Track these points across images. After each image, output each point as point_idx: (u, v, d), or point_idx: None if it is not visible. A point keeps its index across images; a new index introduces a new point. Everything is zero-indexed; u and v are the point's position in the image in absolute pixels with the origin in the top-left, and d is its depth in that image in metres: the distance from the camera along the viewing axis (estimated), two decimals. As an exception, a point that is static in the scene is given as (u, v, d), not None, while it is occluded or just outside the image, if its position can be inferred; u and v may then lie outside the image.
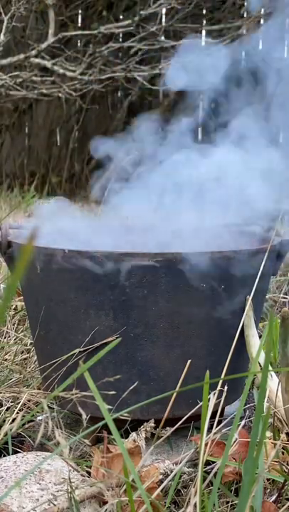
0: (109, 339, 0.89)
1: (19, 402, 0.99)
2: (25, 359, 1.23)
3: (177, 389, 0.86)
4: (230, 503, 0.79)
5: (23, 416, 0.97)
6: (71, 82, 4.20)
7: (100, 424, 0.66)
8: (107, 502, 0.71)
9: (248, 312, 0.92)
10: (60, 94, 4.23)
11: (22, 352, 1.27)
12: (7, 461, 0.83)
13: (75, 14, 4.99)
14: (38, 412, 1.02)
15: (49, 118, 5.26)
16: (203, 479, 0.74)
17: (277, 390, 0.87)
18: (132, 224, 1.14)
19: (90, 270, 0.88)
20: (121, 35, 4.69)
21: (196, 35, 4.47)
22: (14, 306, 1.51)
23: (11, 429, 0.84)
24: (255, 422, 0.54)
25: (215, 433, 0.79)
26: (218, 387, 0.79)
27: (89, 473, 0.85)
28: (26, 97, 4.45)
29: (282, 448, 0.85)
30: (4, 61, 4.06)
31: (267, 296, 1.68)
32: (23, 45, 4.72)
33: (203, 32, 4.75)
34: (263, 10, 4.36)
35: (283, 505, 0.76)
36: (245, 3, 4.53)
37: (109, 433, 0.81)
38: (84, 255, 0.88)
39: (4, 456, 0.92)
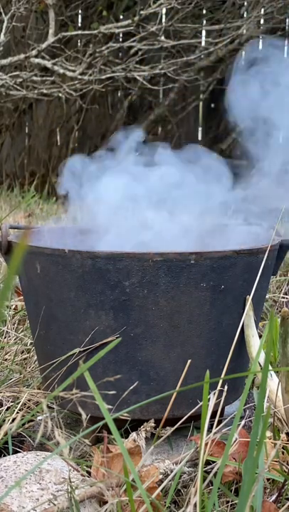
0: (109, 339, 0.89)
1: (19, 402, 0.99)
2: (25, 359, 1.23)
3: (177, 389, 0.86)
4: (230, 503, 0.79)
5: (23, 416, 0.97)
6: (71, 82, 4.19)
7: (100, 423, 0.66)
8: (107, 502, 0.71)
9: (248, 312, 0.92)
10: (60, 94, 4.22)
11: (22, 352, 1.27)
12: (7, 461, 0.83)
13: (75, 14, 4.99)
14: (38, 412, 1.02)
15: (49, 118, 5.26)
16: (203, 479, 0.74)
17: (277, 390, 0.87)
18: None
19: (90, 270, 0.88)
20: (121, 35, 4.69)
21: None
22: (14, 306, 1.51)
23: (10, 429, 0.84)
24: (255, 422, 0.54)
25: (215, 433, 0.79)
26: (218, 387, 0.79)
27: (89, 473, 0.85)
28: (26, 97, 4.45)
29: (282, 448, 0.85)
30: (4, 61, 4.06)
31: (267, 296, 1.68)
32: (23, 45, 4.72)
33: (203, 32, 4.75)
34: (262, 10, 4.36)
35: (283, 505, 0.77)
36: (245, 3, 4.53)
37: (109, 433, 0.81)
38: (84, 255, 0.88)
39: (4, 455, 0.92)
